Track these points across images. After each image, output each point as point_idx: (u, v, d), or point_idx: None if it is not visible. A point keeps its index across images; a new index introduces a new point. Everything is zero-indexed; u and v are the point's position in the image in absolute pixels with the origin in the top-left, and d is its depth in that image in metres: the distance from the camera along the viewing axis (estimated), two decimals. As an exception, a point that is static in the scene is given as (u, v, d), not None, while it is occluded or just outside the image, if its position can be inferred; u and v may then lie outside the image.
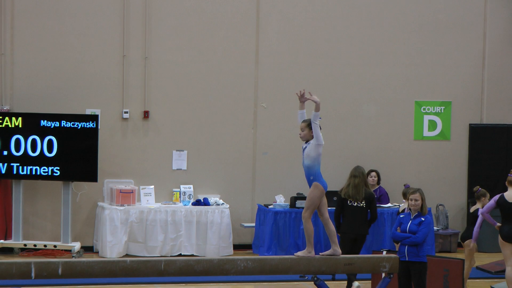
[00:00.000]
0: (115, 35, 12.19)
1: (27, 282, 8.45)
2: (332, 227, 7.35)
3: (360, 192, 9.71)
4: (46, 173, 11.51)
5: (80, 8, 12.13)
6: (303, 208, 12.02)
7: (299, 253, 7.32)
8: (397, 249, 8.61)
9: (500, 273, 10.64)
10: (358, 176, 9.76)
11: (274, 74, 12.69)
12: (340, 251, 7.34)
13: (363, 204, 9.74)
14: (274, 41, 12.69)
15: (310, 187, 7.23)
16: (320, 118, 7.12)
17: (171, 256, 11.59)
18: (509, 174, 9.39)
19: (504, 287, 9.75)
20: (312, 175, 7.17)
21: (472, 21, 13.24)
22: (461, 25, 13.21)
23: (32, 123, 11.47)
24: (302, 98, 7.24)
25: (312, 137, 7.16)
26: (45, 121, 11.47)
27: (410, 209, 8.42)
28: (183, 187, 12.31)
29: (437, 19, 13.14)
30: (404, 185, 10.33)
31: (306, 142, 7.23)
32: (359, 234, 9.79)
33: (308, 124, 7.19)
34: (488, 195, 9.92)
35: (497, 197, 9.41)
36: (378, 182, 12.21)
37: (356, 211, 9.78)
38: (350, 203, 9.77)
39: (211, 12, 12.49)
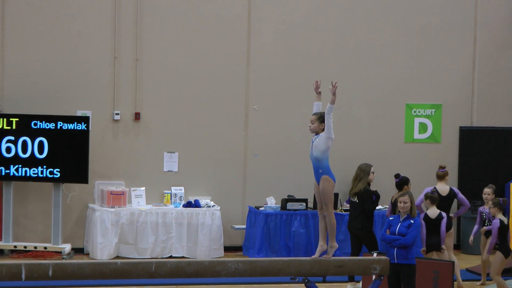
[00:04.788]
0: (106, 37, 12.19)
1: (17, 284, 8.43)
2: (322, 223, 7.34)
3: (353, 188, 10.19)
4: (37, 175, 11.50)
5: (71, 9, 12.11)
6: (294, 210, 12.21)
7: (326, 256, 7.22)
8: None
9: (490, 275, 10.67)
10: (356, 172, 10.25)
11: (265, 76, 12.71)
12: (325, 246, 7.29)
13: (355, 199, 10.14)
14: (266, 43, 12.71)
15: (317, 179, 7.22)
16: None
17: (161, 258, 11.58)
18: (438, 170, 10.44)
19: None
20: (321, 168, 7.17)
21: (463, 25, 13.29)
22: (452, 29, 13.26)
23: (23, 125, 11.45)
24: (318, 90, 7.31)
25: (322, 130, 7.22)
26: (36, 122, 11.46)
27: (399, 211, 8.47)
28: (174, 189, 12.31)
29: (428, 22, 13.19)
30: (432, 191, 10.25)
31: (316, 134, 7.26)
32: (352, 228, 10.21)
33: (319, 117, 7.25)
34: None
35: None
36: (368, 184, 12.26)
37: (351, 206, 10.30)
38: (350, 198, 10.41)
39: (202, 14, 12.50)
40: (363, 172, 10.14)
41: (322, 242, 7.24)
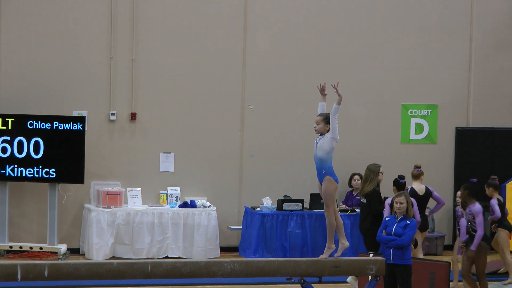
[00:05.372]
0: (103, 37, 12.18)
1: (13, 285, 8.42)
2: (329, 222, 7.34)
3: (363, 189, 10.20)
4: (32, 175, 11.48)
5: (68, 9, 12.10)
6: (290, 210, 12.21)
7: (322, 256, 7.22)
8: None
9: (488, 276, 10.66)
10: (365, 173, 10.24)
11: (261, 76, 12.71)
12: (333, 246, 7.32)
13: (364, 200, 10.16)
14: (262, 43, 12.71)
15: (320, 180, 7.22)
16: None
17: (157, 259, 11.57)
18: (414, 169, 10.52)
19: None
20: (325, 169, 7.20)
21: (459, 25, 13.31)
22: (448, 29, 13.28)
23: (19, 125, 11.43)
24: (323, 92, 7.32)
25: (327, 131, 7.26)
26: (32, 122, 11.45)
27: (395, 212, 8.47)
28: (170, 189, 12.30)
29: (424, 23, 13.20)
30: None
31: (320, 135, 7.29)
32: (363, 228, 10.22)
33: (324, 118, 7.30)
34: None
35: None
36: (363, 185, 12.24)
37: (361, 207, 10.30)
38: (359, 199, 10.43)
39: (198, 14, 12.50)
40: (373, 173, 10.14)
41: (331, 244, 7.28)
